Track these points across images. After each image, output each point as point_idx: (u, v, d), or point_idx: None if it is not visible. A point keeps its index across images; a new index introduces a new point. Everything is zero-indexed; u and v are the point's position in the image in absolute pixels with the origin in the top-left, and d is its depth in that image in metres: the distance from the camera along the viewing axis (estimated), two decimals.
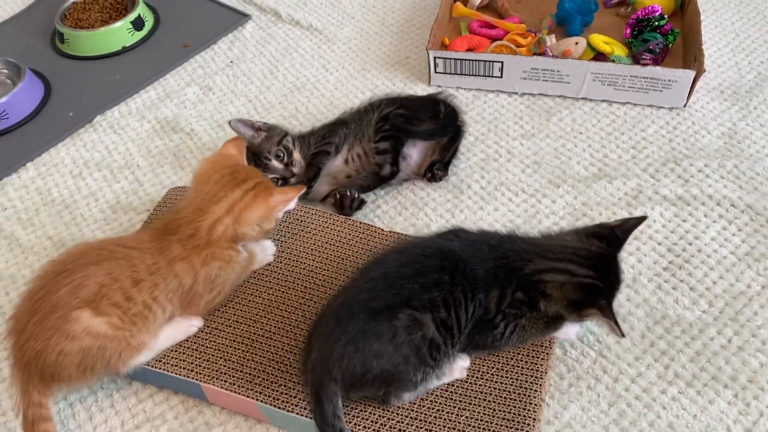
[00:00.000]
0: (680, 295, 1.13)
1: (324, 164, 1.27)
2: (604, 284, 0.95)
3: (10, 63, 1.61)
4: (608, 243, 0.98)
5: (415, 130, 1.29)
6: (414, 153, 1.32)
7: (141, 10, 1.76)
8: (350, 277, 1.04)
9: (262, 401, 0.98)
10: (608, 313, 0.92)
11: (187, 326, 1.04)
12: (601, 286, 0.95)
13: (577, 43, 1.54)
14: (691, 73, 1.37)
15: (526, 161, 1.38)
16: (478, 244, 0.98)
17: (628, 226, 1.00)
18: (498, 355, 1.00)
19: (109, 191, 1.39)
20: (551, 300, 0.95)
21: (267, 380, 1.00)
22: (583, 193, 1.30)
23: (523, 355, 1.00)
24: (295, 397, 0.98)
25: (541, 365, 0.99)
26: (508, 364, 0.99)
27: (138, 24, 1.74)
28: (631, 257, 1.19)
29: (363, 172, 1.29)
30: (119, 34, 1.71)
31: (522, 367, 0.99)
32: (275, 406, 0.97)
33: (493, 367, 0.99)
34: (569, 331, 1.02)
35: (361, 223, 1.20)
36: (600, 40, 1.55)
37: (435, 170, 1.32)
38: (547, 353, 1.00)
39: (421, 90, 1.54)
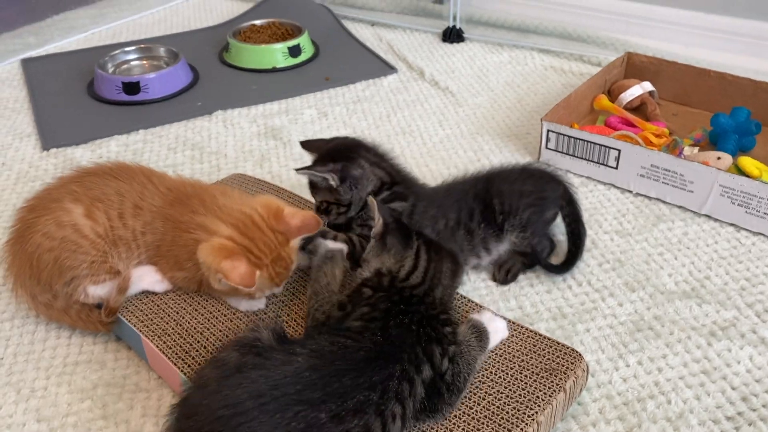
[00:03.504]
0: None
1: None
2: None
3: (171, 52, 1.78)
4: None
5: (543, 262, 1.12)
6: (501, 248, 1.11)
7: (302, 41, 1.87)
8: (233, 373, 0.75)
9: (185, 374, 0.88)
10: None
11: (156, 281, 0.98)
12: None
13: (719, 158, 1.33)
14: None
15: (608, 256, 1.17)
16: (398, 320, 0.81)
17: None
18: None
19: (189, 167, 1.43)
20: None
21: (203, 358, 0.90)
22: (660, 306, 1.06)
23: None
24: None
25: None
26: None
27: (294, 51, 1.84)
28: (687, 390, 0.92)
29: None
30: (274, 54, 1.83)
31: None
32: None
33: None
34: (499, 326, 0.91)
35: None
36: (751, 164, 1.31)
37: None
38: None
39: None
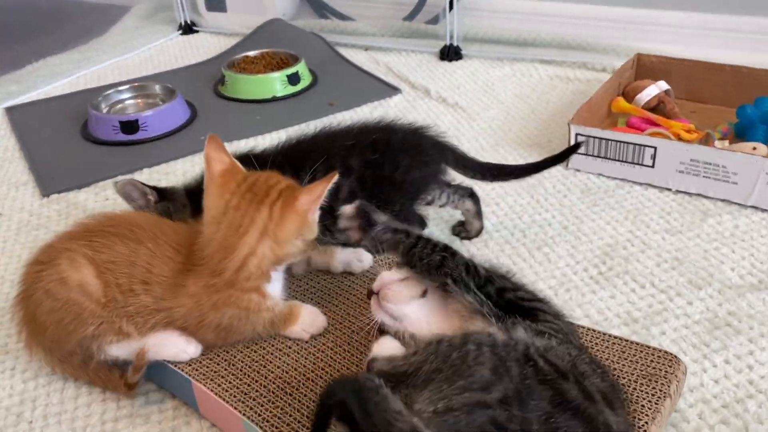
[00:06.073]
0: None
1: None
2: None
3: (167, 89, 1.71)
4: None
5: None
6: None
7: (300, 68, 1.81)
8: None
9: (249, 418, 0.79)
10: None
11: (180, 350, 0.87)
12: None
13: (755, 149, 1.29)
14: None
15: (664, 255, 1.11)
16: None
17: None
18: None
19: None
20: None
21: (264, 398, 0.81)
22: (732, 302, 1.00)
23: None
24: (289, 425, 0.77)
25: None
26: None
27: (293, 79, 1.79)
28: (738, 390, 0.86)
29: None
30: (273, 83, 1.77)
31: None
32: (262, 428, 0.77)
33: None
34: None
35: None
36: None
37: None
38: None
39: (557, 172, 1.37)
